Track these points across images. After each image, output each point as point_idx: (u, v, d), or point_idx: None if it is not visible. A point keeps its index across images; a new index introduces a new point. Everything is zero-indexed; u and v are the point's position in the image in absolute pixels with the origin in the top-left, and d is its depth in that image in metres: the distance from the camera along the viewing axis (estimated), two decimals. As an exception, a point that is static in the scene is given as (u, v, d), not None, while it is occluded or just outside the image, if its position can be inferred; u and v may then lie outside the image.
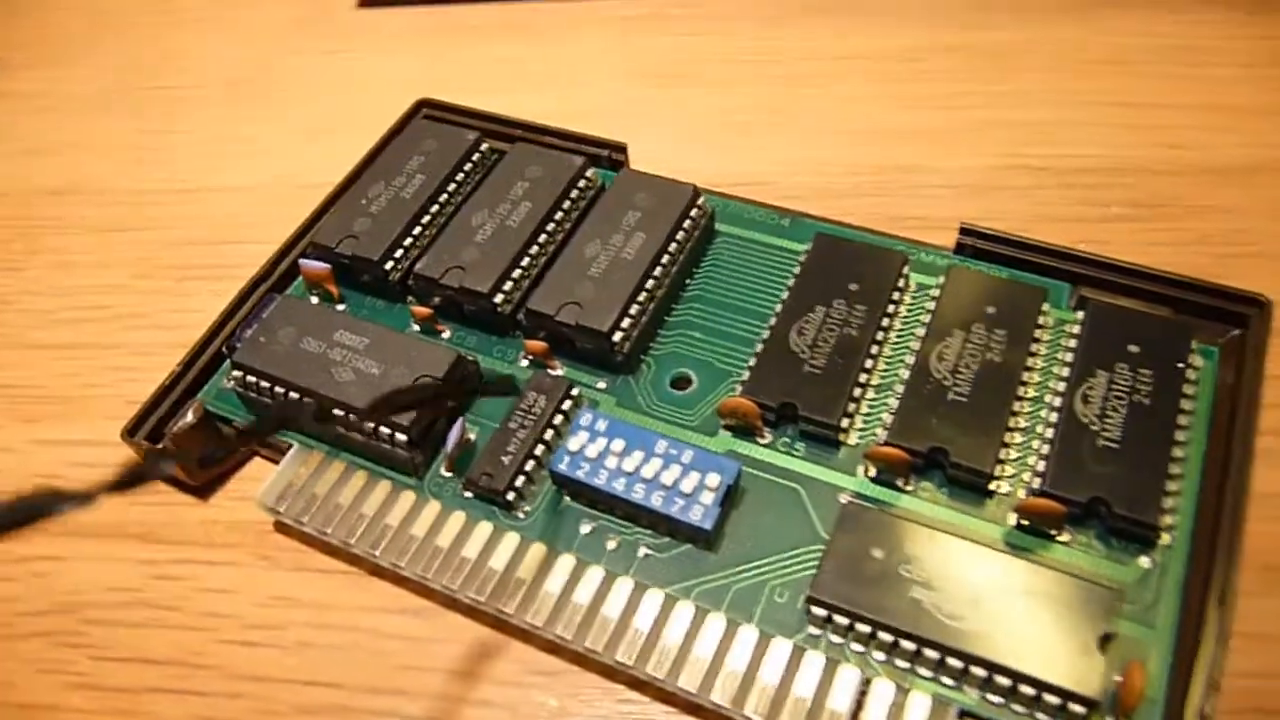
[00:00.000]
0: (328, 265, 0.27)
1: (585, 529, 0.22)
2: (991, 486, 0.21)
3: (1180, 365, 0.22)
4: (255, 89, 0.38)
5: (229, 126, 0.36)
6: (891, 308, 0.24)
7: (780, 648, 0.20)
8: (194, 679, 0.22)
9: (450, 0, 0.40)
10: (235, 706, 0.22)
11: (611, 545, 0.22)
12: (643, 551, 0.22)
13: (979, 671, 0.19)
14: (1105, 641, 0.19)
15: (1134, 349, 0.22)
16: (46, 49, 0.41)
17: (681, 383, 0.24)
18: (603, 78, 0.36)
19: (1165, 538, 0.20)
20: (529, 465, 0.23)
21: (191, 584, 0.24)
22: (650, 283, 0.25)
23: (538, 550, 0.22)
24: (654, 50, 0.36)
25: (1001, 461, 0.22)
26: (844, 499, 0.22)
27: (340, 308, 0.27)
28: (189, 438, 0.24)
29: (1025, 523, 0.21)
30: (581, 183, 0.27)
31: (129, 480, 0.15)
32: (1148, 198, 0.29)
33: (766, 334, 0.24)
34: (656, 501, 0.21)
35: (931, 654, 0.19)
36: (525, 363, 0.25)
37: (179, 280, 0.31)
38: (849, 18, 0.36)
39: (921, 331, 0.24)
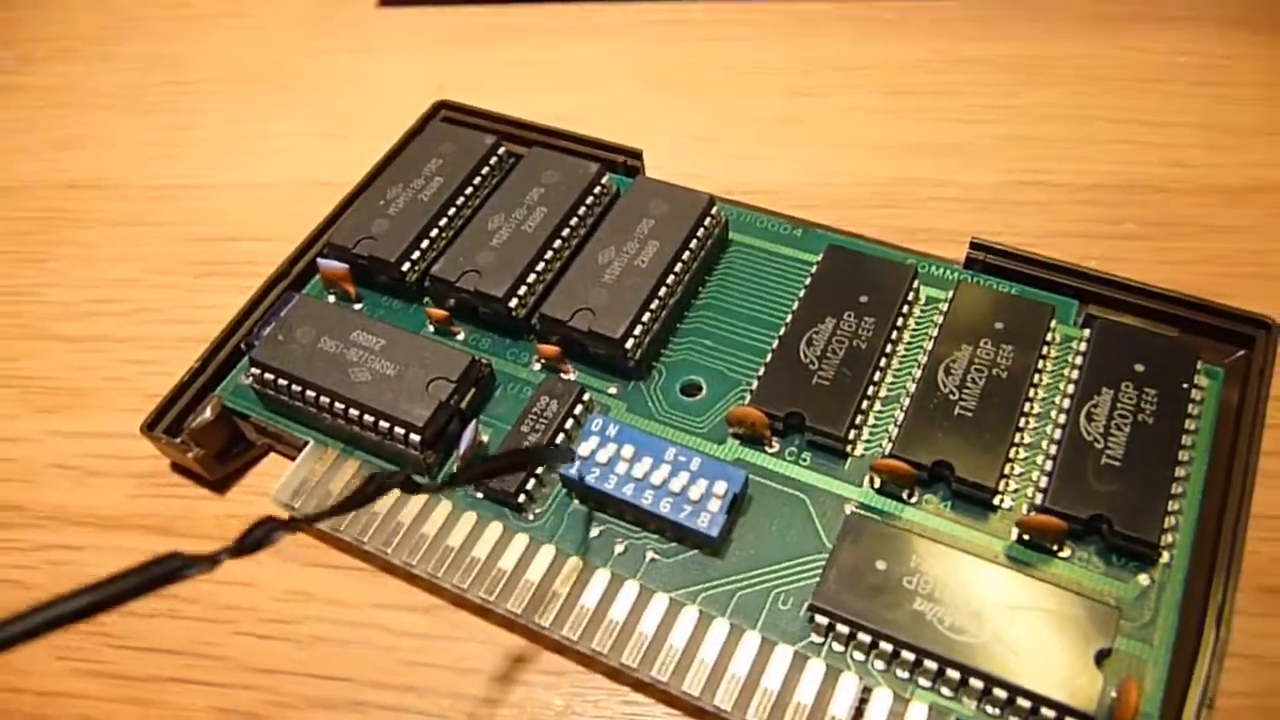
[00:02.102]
0: (345, 265, 0.27)
1: (594, 532, 0.23)
2: (995, 501, 0.22)
3: (1185, 386, 0.22)
4: (274, 86, 0.38)
5: (247, 124, 0.37)
6: (900, 320, 0.25)
7: (783, 654, 0.20)
8: (209, 669, 0.23)
9: (471, 1, 0.40)
10: (249, 698, 0.22)
11: (619, 549, 0.22)
12: (649, 556, 0.22)
13: (977, 684, 0.19)
14: (1103, 657, 0.19)
15: (1139, 368, 0.23)
16: (69, 43, 0.42)
17: (691, 390, 0.25)
18: (620, 82, 0.36)
19: (1164, 556, 0.21)
20: (539, 468, 0.23)
21: (207, 577, 0.24)
22: (663, 291, 0.25)
23: (546, 552, 0.22)
24: (672, 56, 0.37)
25: (1005, 476, 0.22)
26: (849, 509, 0.22)
27: (357, 307, 0.27)
28: (207, 433, 0.25)
29: (1027, 537, 0.21)
30: (597, 189, 0.28)
31: (248, 544, 0.15)
32: (1159, 216, 0.29)
33: (776, 344, 0.24)
34: (664, 508, 0.22)
35: (931, 665, 0.19)
36: (538, 366, 0.25)
37: (197, 275, 0.31)
38: (867, 27, 0.36)
39: (929, 345, 0.24)
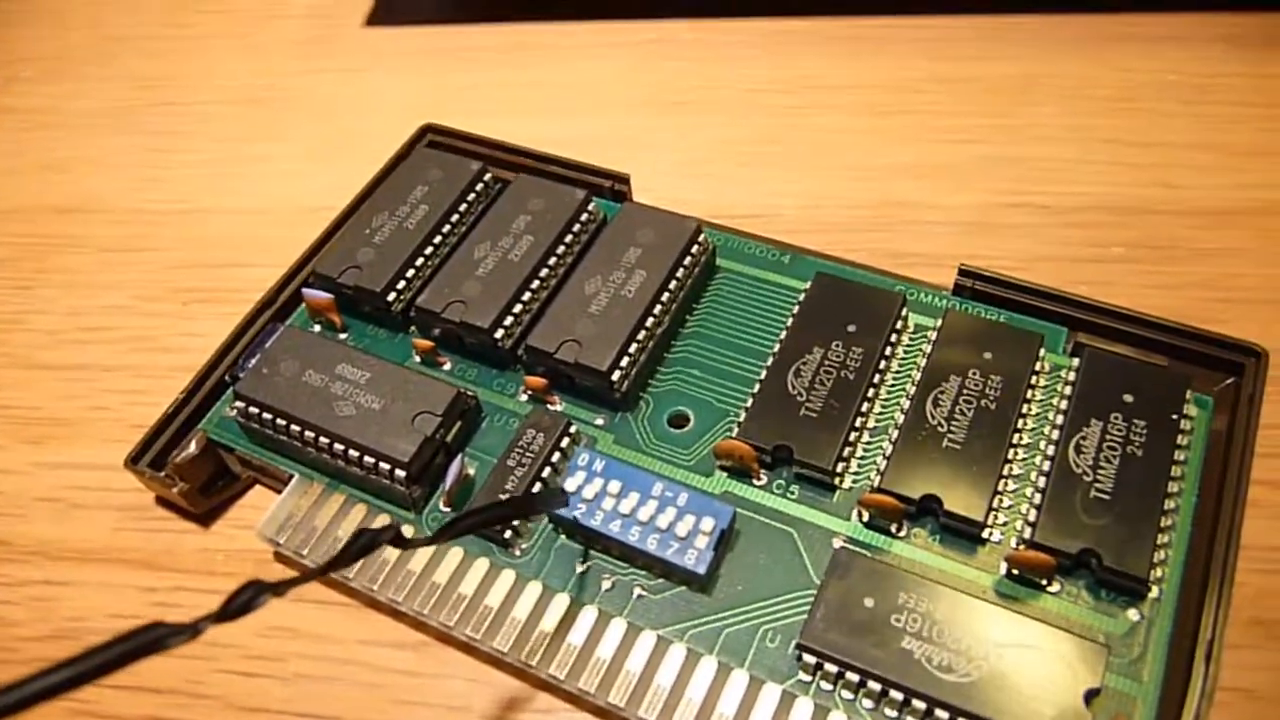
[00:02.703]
0: (331, 295, 0.27)
1: (581, 568, 0.22)
2: (983, 535, 0.22)
3: (1175, 417, 0.22)
4: (263, 108, 0.38)
5: (236, 146, 0.37)
6: (889, 350, 0.24)
7: (770, 693, 0.20)
8: (194, 708, 0.23)
9: (458, 20, 0.40)
10: (233, 737, 0.22)
11: (606, 585, 0.22)
12: (637, 592, 0.22)
13: (966, 723, 0.19)
14: (1092, 697, 0.19)
15: (1128, 399, 0.22)
16: (58, 64, 0.42)
17: (679, 421, 0.25)
18: (608, 103, 0.36)
19: (1154, 590, 0.20)
20: (533, 515, 0.23)
21: (191, 612, 0.24)
22: (650, 321, 0.25)
23: (533, 589, 0.22)
24: (660, 76, 0.37)
25: (994, 510, 0.22)
26: (837, 544, 0.22)
27: (342, 336, 0.27)
28: (191, 467, 0.25)
29: (1015, 572, 0.21)
30: (583, 216, 0.28)
31: (232, 610, 0.15)
32: (1148, 239, 0.29)
33: (764, 375, 0.24)
34: (651, 544, 0.21)
35: (920, 704, 0.19)
36: (525, 397, 0.25)
37: (184, 303, 0.31)
38: (854, 47, 0.36)
39: (918, 375, 0.24)
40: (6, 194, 0.36)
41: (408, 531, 0.23)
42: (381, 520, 0.24)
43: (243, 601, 0.15)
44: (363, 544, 0.17)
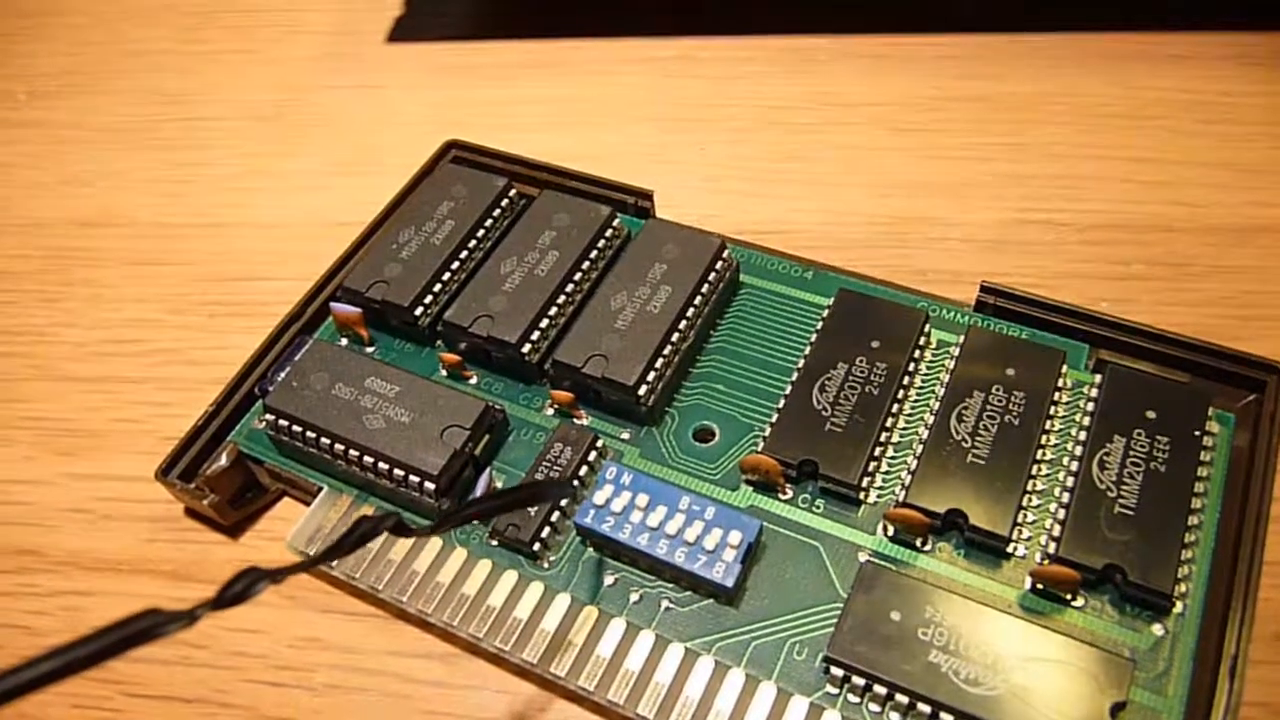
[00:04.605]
0: (359, 309, 0.27)
1: (609, 580, 0.23)
2: (1008, 550, 0.22)
3: (1197, 434, 0.22)
4: (286, 124, 0.38)
5: (260, 161, 0.37)
6: (912, 366, 0.25)
7: (798, 705, 0.20)
8: (222, 718, 0.23)
9: (480, 37, 0.41)
10: (263, 747, 0.22)
11: (634, 598, 0.22)
12: (665, 605, 0.22)
13: (994, 736, 0.19)
14: (1117, 711, 0.19)
15: (1151, 415, 0.23)
16: (79, 79, 0.42)
17: (704, 435, 0.25)
18: (630, 119, 0.36)
19: (1178, 606, 0.21)
20: (554, 516, 0.23)
21: (220, 623, 0.24)
22: (675, 336, 0.25)
23: (562, 601, 0.22)
24: (682, 93, 0.37)
25: (1018, 525, 0.22)
26: (863, 558, 0.22)
27: (369, 350, 0.28)
28: (221, 479, 0.25)
29: (1040, 587, 0.21)
30: (608, 232, 0.28)
31: (228, 598, 0.15)
32: (1166, 256, 0.29)
33: (789, 390, 0.24)
34: (679, 558, 0.22)
35: (947, 717, 0.20)
36: (551, 412, 0.26)
37: (210, 316, 0.32)
38: (874, 66, 0.37)
39: (941, 391, 0.24)
40: (30, 207, 0.37)
41: (436, 545, 0.24)
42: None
43: (239, 589, 0.15)
44: (362, 532, 0.17)
